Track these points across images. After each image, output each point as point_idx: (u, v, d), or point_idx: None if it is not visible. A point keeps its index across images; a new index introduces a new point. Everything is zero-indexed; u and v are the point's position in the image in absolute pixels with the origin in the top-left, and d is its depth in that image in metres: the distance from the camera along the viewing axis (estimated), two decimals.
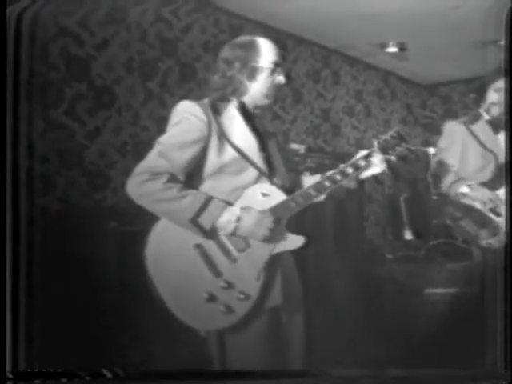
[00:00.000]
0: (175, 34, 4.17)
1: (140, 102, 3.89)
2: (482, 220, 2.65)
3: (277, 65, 1.86)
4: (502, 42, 5.28)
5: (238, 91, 1.85)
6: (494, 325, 1.83)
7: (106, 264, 2.89)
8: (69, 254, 2.66)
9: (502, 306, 1.82)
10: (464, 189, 2.67)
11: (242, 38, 1.92)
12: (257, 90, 1.86)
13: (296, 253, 1.82)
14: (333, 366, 1.92)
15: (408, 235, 5.51)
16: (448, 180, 2.75)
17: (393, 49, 5.59)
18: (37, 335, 1.80)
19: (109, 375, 1.76)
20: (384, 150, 1.90)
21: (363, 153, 1.93)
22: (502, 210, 2.63)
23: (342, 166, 1.89)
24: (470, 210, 2.69)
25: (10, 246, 1.78)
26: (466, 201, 2.69)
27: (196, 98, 1.86)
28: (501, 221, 2.62)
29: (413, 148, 1.95)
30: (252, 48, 1.85)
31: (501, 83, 2.67)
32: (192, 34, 4.30)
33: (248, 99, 1.88)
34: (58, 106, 3.38)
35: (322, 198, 1.89)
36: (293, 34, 5.24)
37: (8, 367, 1.74)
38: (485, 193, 2.64)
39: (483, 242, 2.65)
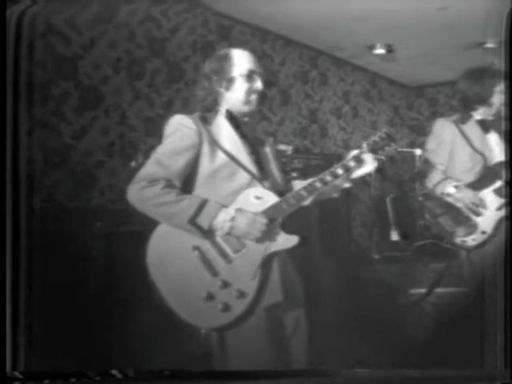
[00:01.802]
0: (163, 33, 4.15)
1: (127, 101, 3.87)
2: (459, 218, 2.68)
3: (252, 71, 1.95)
4: (489, 45, 5.31)
5: (216, 102, 1.97)
6: (494, 324, 1.84)
7: (91, 264, 2.88)
8: (55, 254, 2.64)
9: (501, 306, 1.83)
10: (451, 189, 2.69)
11: (218, 52, 2.03)
12: (234, 98, 1.96)
13: (291, 252, 1.89)
14: (331, 365, 1.94)
15: (394, 236, 5.54)
16: (435, 178, 2.76)
17: (380, 50, 5.62)
18: (37, 335, 1.81)
19: (118, 375, 1.78)
20: (373, 151, 1.94)
21: (353, 153, 1.97)
22: (483, 210, 2.65)
23: (332, 167, 1.94)
24: (449, 208, 2.71)
25: (9, 247, 1.78)
26: (450, 200, 2.71)
27: (183, 98, 1.94)
28: (479, 221, 2.65)
29: (400, 149, 1.97)
30: (225, 60, 1.96)
31: (503, 84, 2.68)
32: (180, 34, 4.29)
33: (228, 107, 1.97)
34: (44, 105, 3.35)
35: (310, 199, 1.96)
36: (281, 36, 5.25)
37: (8, 367, 1.74)
38: (469, 195, 2.66)
39: (458, 240, 2.68)
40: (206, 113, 1.97)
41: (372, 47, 5.60)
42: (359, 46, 5.62)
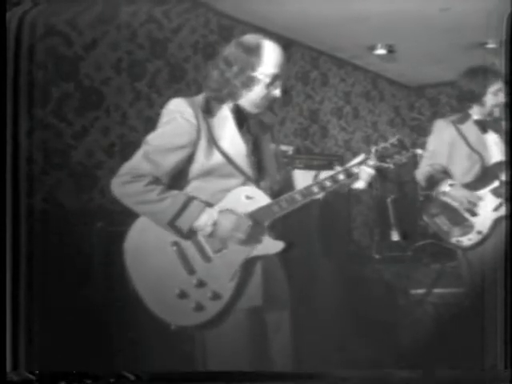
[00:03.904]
0: (165, 34, 4.16)
1: (128, 102, 3.87)
2: (456, 218, 2.68)
3: (276, 77, 1.78)
4: (490, 45, 5.31)
5: (231, 96, 1.79)
6: (494, 325, 1.84)
7: (92, 264, 2.88)
8: (55, 255, 2.65)
9: (501, 306, 1.83)
10: (446, 188, 2.70)
11: (249, 38, 1.80)
12: (250, 98, 1.79)
13: (282, 255, 1.81)
14: (322, 366, 1.92)
15: (395, 236, 5.54)
16: (433, 178, 2.77)
17: (381, 51, 5.63)
18: (37, 335, 1.81)
19: (131, 378, 1.77)
20: (382, 158, 1.84)
21: (357, 159, 1.87)
22: (479, 210, 2.65)
23: (333, 172, 1.85)
24: (446, 208, 2.71)
25: (9, 247, 1.78)
26: (446, 199, 2.71)
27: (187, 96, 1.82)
28: (475, 221, 2.65)
29: (411, 154, 1.91)
30: (255, 53, 1.75)
31: (497, 85, 2.69)
32: (182, 34, 4.29)
33: (240, 104, 1.82)
34: (45, 105, 3.36)
35: (308, 200, 1.86)
36: (282, 36, 5.25)
37: (8, 367, 1.74)
38: (465, 194, 2.67)
39: (454, 240, 2.68)
40: (213, 101, 1.80)
41: (373, 48, 5.60)
42: (360, 47, 5.62)
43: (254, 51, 1.76)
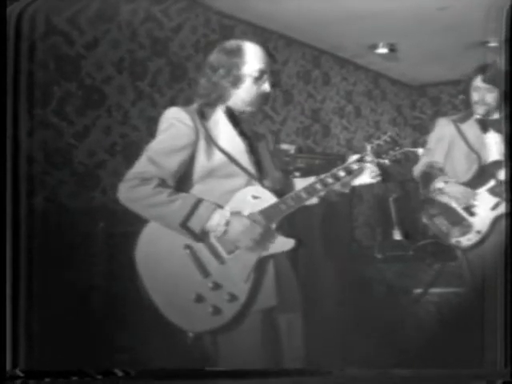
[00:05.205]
0: (166, 33, 4.15)
1: (130, 101, 3.87)
2: (454, 218, 2.68)
3: (262, 72, 1.84)
4: (492, 44, 5.30)
5: (222, 98, 1.85)
6: (494, 323, 1.84)
7: (93, 264, 2.88)
8: (56, 254, 2.65)
9: (502, 305, 1.83)
10: (441, 184, 2.70)
11: (230, 43, 1.88)
12: (240, 97, 1.84)
13: (291, 254, 1.82)
14: (330, 365, 1.92)
15: (397, 235, 5.54)
16: (431, 177, 2.77)
17: (383, 50, 5.62)
18: (37, 334, 1.80)
19: (120, 374, 1.76)
20: (377, 154, 1.90)
21: (356, 156, 1.92)
22: (477, 209, 2.65)
23: (334, 169, 1.88)
24: (444, 208, 2.71)
25: (10, 246, 1.78)
26: (443, 197, 2.71)
27: (186, 98, 1.87)
28: (474, 220, 2.64)
29: (405, 150, 1.96)
30: (237, 54, 1.83)
31: (477, 82, 2.70)
32: (183, 33, 4.29)
33: (231, 105, 1.87)
34: (47, 105, 3.36)
35: (314, 200, 1.92)
36: (283, 35, 5.24)
37: (8, 367, 1.74)
38: (459, 190, 2.66)
39: (453, 240, 2.67)
40: (206, 107, 1.86)
41: (374, 46, 5.59)
42: (361, 46, 5.61)
43: (236, 53, 1.84)
